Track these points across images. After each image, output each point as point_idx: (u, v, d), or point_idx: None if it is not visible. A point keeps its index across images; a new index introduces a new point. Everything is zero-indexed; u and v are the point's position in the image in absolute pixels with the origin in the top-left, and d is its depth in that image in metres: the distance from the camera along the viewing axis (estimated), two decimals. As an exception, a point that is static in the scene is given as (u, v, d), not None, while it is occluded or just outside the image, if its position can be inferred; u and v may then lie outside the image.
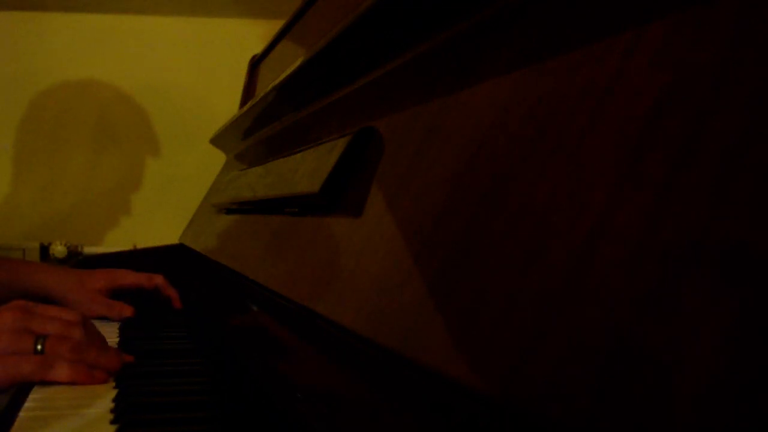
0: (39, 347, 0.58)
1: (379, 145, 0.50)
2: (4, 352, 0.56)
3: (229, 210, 0.98)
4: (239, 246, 0.81)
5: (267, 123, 0.98)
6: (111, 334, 0.76)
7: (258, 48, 1.37)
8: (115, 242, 1.86)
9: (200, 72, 1.94)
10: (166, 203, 1.92)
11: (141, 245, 1.58)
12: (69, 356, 0.58)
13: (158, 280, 0.96)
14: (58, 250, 1.83)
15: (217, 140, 1.34)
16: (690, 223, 0.21)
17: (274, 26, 1.19)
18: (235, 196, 0.92)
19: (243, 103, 1.35)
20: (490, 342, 0.27)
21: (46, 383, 0.57)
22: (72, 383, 0.57)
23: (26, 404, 0.52)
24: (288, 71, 0.74)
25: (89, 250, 1.86)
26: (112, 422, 0.48)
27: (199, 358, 0.66)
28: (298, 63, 0.71)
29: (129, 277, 0.95)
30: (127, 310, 0.88)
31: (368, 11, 0.51)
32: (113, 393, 0.54)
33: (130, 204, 1.94)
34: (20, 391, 0.57)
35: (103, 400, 0.53)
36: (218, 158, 1.43)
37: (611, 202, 0.25)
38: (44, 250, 1.84)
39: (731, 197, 0.20)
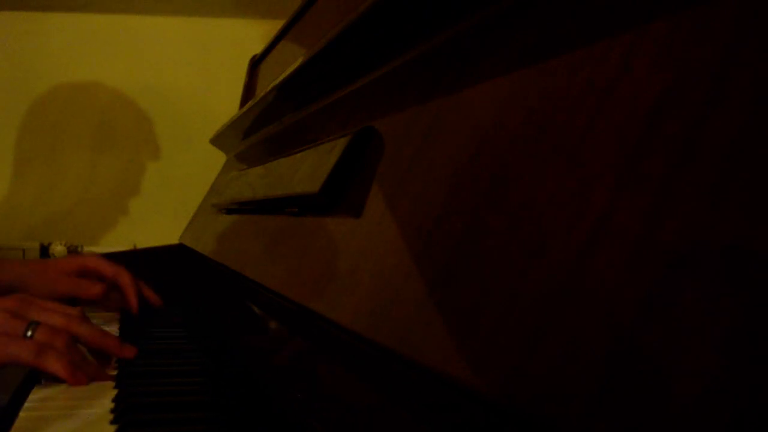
0: (29, 333, 0.58)
1: (379, 145, 0.50)
2: None
3: (229, 210, 0.98)
4: (239, 246, 0.81)
5: (267, 123, 0.98)
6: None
7: (258, 48, 1.36)
8: (115, 242, 1.86)
9: (200, 72, 1.94)
10: (166, 203, 1.92)
11: (141, 245, 1.58)
12: (59, 348, 0.58)
13: (123, 278, 0.87)
14: (58, 250, 1.83)
15: (217, 140, 1.34)
16: (690, 223, 0.21)
17: (274, 26, 1.19)
18: (235, 196, 0.92)
19: (243, 103, 1.35)
20: (491, 342, 0.27)
21: (45, 384, 0.57)
22: (56, 375, 0.56)
23: (26, 404, 0.52)
24: (288, 71, 0.74)
25: (89, 250, 1.85)
26: (112, 422, 0.48)
27: (198, 358, 0.66)
28: (298, 63, 0.71)
29: (94, 261, 0.88)
30: (96, 288, 0.83)
31: (368, 11, 0.51)
32: (113, 393, 0.54)
33: (130, 204, 1.94)
34: (20, 390, 0.57)
35: (103, 400, 0.53)
36: (218, 158, 1.43)
37: (611, 202, 0.25)
38: (44, 250, 1.84)
39: (731, 197, 0.20)
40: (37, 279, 0.84)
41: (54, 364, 0.56)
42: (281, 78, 0.77)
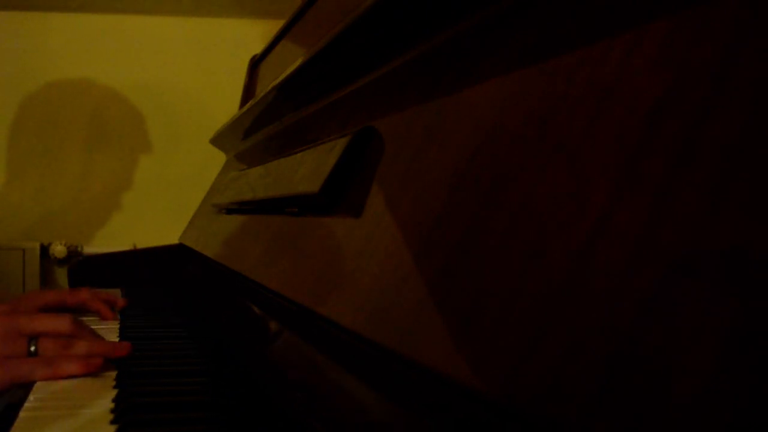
0: (32, 348, 0.59)
1: (379, 145, 0.50)
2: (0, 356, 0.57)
3: (229, 210, 0.98)
4: (239, 246, 0.81)
5: (267, 123, 0.98)
6: (111, 334, 0.76)
7: (258, 48, 1.37)
8: (115, 242, 1.86)
9: (200, 72, 1.95)
10: (166, 203, 1.92)
11: (141, 245, 1.58)
12: (62, 352, 0.59)
13: (83, 294, 0.88)
14: (58, 250, 1.83)
15: (217, 140, 1.34)
16: (690, 223, 0.21)
17: (274, 26, 1.19)
18: (235, 196, 0.92)
19: (243, 103, 1.35)
20: (491, 342, 0.27)
21: (44, 383, 0.57)
22: (71, 377, 0.58)
23: (26, 404, 0.52)
24: (288, 71, 0.74)
25: (89, 250, 1.86)
26: (112, 422, 0.48)
27: (198, 358, 0.66)
28: (298, 63, 0.71)
29: (49, 296, 0.85)
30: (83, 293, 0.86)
31: (368, 11, 0.51)
32: (113, 393, 0.54)
33: (130, 204, 1.94)
34: (20, 391, 0.57)
35: (103, 400, 0.53)
36: (218, 158, 1.43)
37: (611, 202, 0.25)
38: (44, 250, 1.84)
39: (731, 197, 0.20)
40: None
41: (70, 368, 0.58)
42: (281, 78, 0.77)
